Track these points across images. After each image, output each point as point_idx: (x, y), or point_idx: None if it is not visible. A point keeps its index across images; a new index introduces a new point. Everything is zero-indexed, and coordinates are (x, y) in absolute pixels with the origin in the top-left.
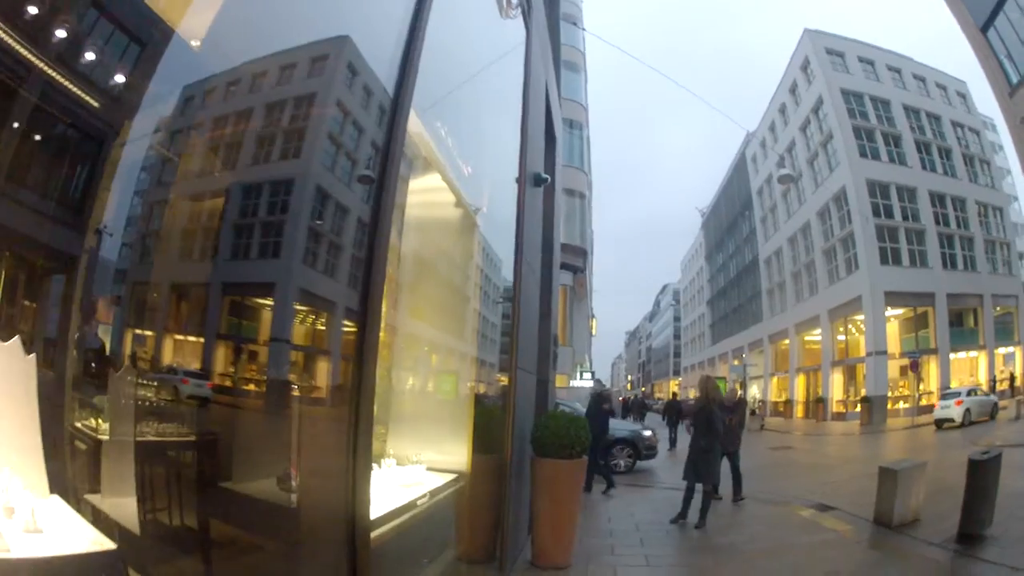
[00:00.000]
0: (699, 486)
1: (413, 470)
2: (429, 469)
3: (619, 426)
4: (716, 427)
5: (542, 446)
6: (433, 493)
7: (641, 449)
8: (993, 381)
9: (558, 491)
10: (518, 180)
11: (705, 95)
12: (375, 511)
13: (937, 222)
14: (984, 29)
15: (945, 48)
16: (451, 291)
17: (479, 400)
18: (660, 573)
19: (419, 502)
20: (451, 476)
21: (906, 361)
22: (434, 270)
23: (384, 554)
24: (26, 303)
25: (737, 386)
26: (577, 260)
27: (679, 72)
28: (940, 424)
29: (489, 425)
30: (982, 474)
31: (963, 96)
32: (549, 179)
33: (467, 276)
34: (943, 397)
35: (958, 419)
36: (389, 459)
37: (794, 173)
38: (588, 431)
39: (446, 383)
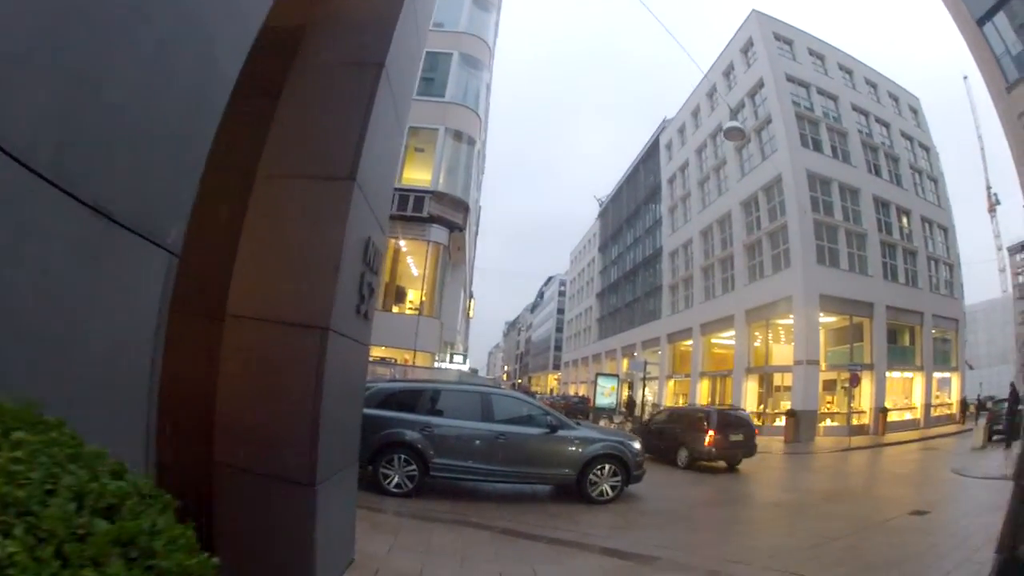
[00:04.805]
0: None
1: None
2: None
3: (596, 435)
4: None
5: None
6: None
7: (632, 467)
8: (928, 407)
9: None
10: None
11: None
12: None
13: (880, 229)
14: (981, 23)
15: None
16: None
17: None
18: None
19: None
20: None
21: (833, 375)
22: None
23: None
24: None
25: (626, 386)
26: (456, 215)
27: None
28: None
29: None
30: None
31: (915, 111)
32: None
33: None
34: None
35: None
36: None
37: (744, 128)
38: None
39: None
